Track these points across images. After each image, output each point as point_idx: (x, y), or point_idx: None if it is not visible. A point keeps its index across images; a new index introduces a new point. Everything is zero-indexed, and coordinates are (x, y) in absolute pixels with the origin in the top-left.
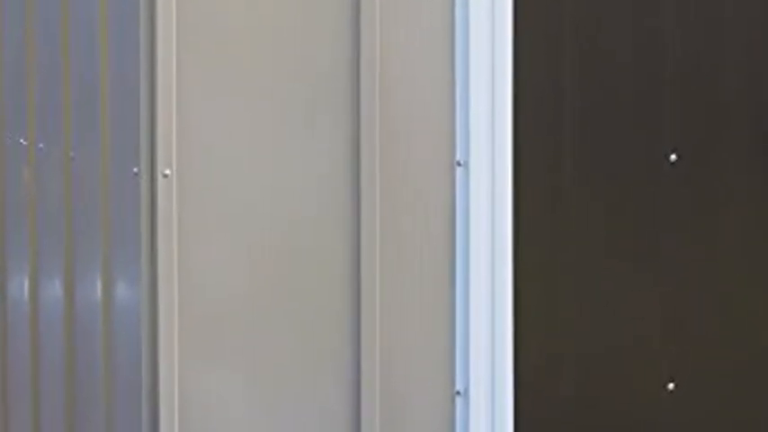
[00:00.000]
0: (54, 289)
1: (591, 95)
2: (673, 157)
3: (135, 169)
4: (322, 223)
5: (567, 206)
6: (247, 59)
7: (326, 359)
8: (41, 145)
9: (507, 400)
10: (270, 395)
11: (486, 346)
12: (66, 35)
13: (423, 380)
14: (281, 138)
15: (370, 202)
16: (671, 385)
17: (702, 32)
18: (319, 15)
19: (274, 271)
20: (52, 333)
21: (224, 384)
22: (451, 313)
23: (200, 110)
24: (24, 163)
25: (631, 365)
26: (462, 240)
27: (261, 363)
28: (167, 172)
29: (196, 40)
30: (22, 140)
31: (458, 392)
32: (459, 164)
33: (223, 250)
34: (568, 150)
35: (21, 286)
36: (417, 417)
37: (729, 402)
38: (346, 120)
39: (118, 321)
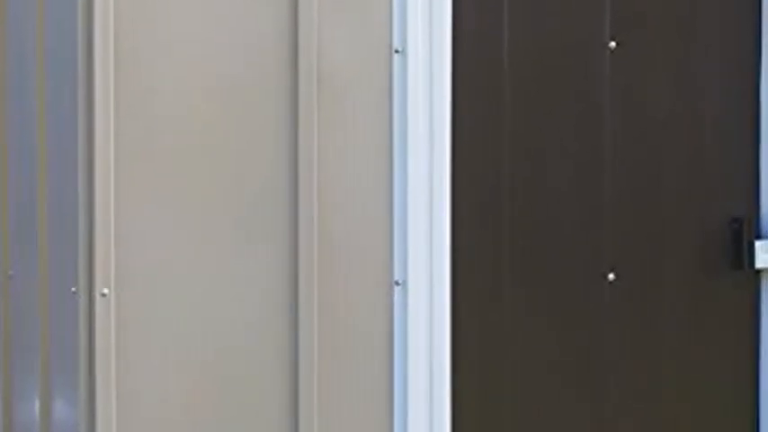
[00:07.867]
0: None
1: (529, 217)
2: (611, 276)
3: (73, 288)
4: (260, 343)
5: (506, 326)
6: (185, 180)
7: None
8: None
9: None
10: None
11: None
12: (5, 154)
13: None
14: (219, 257)
15: (308, 321)
16: None
17: (639, 156)
18: (256, 135)
19: (212, 392)
20: None
21: None
22: None
23: (138, 229)
24: None
25: None
26: (401, 360)
27: None
28: (105, 291)
29: (134, 159)
30: None
31: None
32: (397, 283)
33: (161, 370)
34: (507, 271)
35: None
36: None
37: None
38: (284, 239)
39: None
